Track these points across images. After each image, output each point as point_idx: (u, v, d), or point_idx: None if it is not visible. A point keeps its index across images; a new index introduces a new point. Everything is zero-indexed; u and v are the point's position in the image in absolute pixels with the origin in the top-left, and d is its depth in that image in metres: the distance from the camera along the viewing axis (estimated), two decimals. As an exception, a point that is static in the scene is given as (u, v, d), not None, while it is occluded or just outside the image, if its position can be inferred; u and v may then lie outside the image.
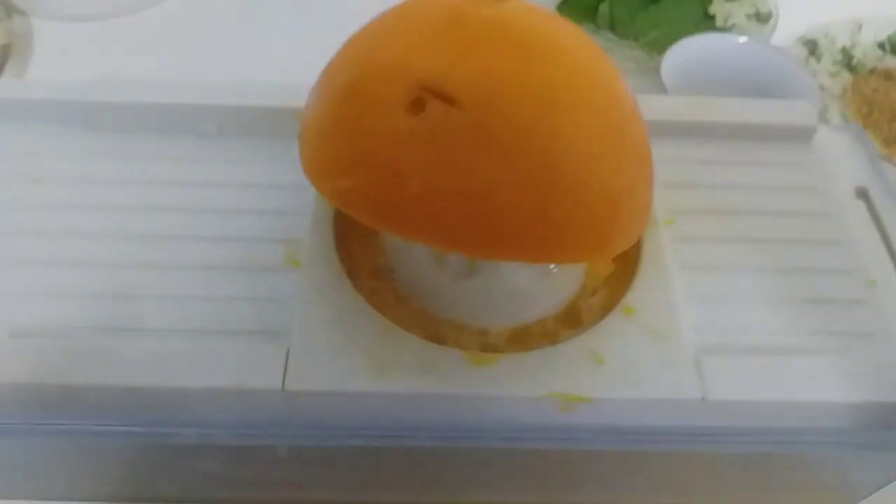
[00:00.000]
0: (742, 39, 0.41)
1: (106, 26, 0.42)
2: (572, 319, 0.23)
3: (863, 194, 0.27)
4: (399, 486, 0.26)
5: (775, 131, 0.29)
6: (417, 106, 0.18)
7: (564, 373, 0.21)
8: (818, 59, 0.43)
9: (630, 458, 0.24)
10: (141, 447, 0.23)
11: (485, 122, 0.18)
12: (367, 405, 0.21)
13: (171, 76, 0.28)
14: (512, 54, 0.19)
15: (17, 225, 0.24)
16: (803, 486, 0.27)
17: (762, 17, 0.45)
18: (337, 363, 0.21)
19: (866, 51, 0.44)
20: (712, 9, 0.45)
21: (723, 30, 0.44)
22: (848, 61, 0.44)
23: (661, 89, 0.37)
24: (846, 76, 0.43)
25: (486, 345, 0.23)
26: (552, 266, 0.22)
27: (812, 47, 0.44)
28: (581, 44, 0.20)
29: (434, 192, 0.18)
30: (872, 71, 0.43)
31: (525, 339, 0.23)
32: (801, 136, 0.29)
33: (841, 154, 0.28)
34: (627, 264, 0.24)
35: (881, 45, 0.45)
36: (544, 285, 0.23)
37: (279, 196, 0.26)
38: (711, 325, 0.23)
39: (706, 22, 0.44)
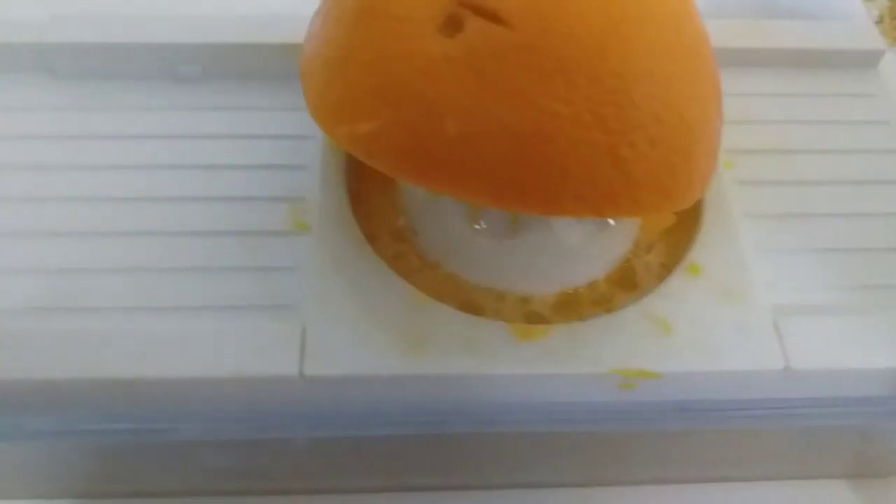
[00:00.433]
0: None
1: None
2: (627, 281, 0.20)
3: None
4: (427, 470, 0.23)
5: (836, 57, 0.25)
6: (453, 25, 0.15)
7: (626, 344, 0.18)
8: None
9: (689, 435, 0.21)
10: (131, 444, 0.20)
11: (538, 42, 0.14)
12: (400, 389, 0.18)
13: (145, 10, 0.24)
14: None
15: (-30, 191, 0.21)
16: (858, 455, 0.24)
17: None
18: (363, 342, 0.18)
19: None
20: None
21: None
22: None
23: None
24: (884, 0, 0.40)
25: (531, 314, 0.20)
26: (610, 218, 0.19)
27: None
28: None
29: (477, 132, 0.15)
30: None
31: (574, 306, 0.20)
32: (865, 61, 0.25)
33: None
34: (687, 215, 0.21)
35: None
36: (598, 242, 0.19)
37: (277, 147, 0.22)
38: (786, 283, 0.20)
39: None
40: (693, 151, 0.16)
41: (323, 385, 0.18)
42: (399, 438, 0.20)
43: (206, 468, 0.22)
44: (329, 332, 0.18)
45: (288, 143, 0.22)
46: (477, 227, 0.19)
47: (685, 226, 0.21)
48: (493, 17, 0.15)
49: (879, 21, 0.40)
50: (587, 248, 0.19)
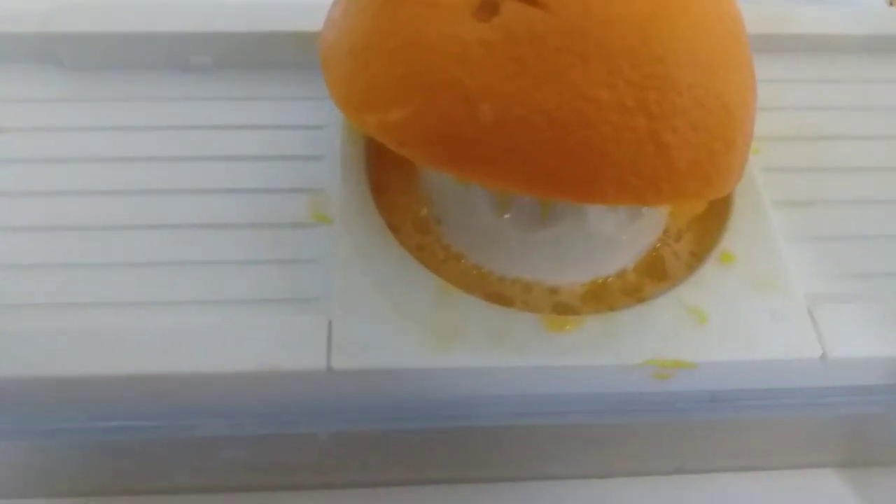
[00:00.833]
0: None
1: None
2: (657, 271, 0.20)
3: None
4: (452, 463, 0.23)
5: (859, 42, 0.25)
6: (488, 9, 0.14)
7: (661, 335, 0.18)
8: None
9: (718, 425, 0.21)
10: (154, 442, 0.20)
11: (578, 26, 0.14)
12: (431, 382, 0.17)
13: (155, -1, 0.23)
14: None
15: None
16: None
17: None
18: (391, 335, 0.17)
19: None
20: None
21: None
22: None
23: None
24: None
25: (560, 305, 0.19)
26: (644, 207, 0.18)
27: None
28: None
29: (515, 118, 0.14)
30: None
31: (604, 296, 0.19)
32: (889, 46, 0.25)
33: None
34: (716, 202, 0.20)
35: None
36: (628, 231, 0.19)
37: (293, 138, 0.22)
38: (818, 271, 0.20)
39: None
40: (734, 138, 0.15)
41: (352, 378, 0.17)
42: (427, 431, 0.19)
43: (226, 464, 0.22)
44: (356, 325, 0.17)
45: (304, 133, 0.22)
46: (505, 217, 0.19)
47: (714, 214, 0.20)
48: (530, 0, 0.14)
49: (892, 1, 0.40)
50: (617, 237, 0.19)
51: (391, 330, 0.17)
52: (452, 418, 0.18)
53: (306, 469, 0.23)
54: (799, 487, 0.23)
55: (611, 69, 0.14)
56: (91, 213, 0.20)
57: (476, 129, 0.14)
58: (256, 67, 0.23)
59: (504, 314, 0.18)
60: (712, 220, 0.20)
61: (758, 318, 0.18)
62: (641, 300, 0.19)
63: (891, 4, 0.38)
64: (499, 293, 0.19)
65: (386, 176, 0.21)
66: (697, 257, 0.20)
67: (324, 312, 0.18)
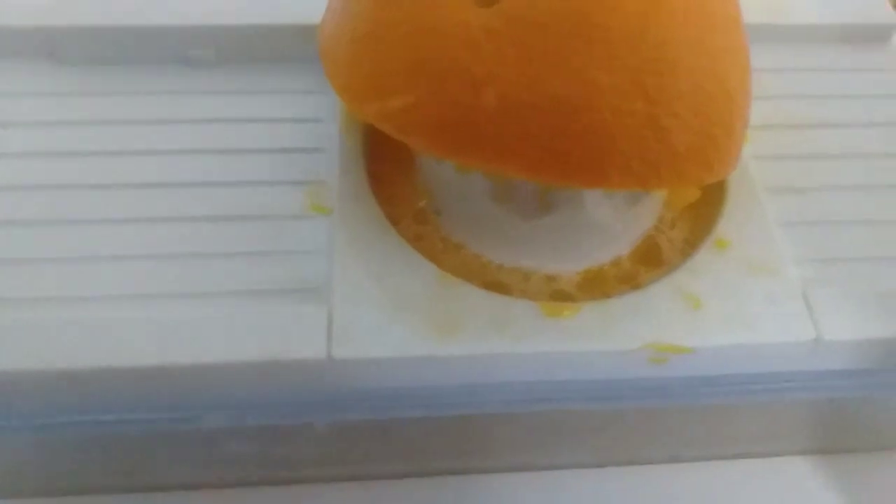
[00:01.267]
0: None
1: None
2: (651, 258, 0.20)
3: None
4: (453, 453, 0.23)
5: (849, 31, 0.25)
6: (489, -6, 0.15)
7: (657, 320, 0.18)
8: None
9: (715, 410, 0.21)
10: (154, 434, 0.20)
11: (580, 9, 0.14)
12: (431, 370, 0.17)
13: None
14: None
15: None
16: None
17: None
18: (391, 324, 0.17)
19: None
20: None
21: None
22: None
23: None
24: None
25: (557, 293, 0.19)
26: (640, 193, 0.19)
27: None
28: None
29: (519, 103, 0.14)
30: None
31: (600, 283, 0.20)
32: (876, 36, 0.25)
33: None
34: (710, 190, 0.20)
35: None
36: (625, 218, 0.19)
37: (293, 131, 0.22)
38: (811, 255, 0.20)
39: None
40: (734, 123, 0.16)
41: (352, 367, 0.17)
42: (427, 420, 0.19)
43: (227, 458, 0.22)
44: (356, 315, 0.18)
45: (303, 125, 0.22)
46: (504, 206, 0.19)
47: (707, 202, 0.21)
48: (530, -14, 0.14)
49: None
50: (613, 224, 0.19)
51: (391, 319, 0.18)
52: (453, 406, 0.18)
53: (306, 462, 0.23)
54: (792, 474, 0.24)
55: (612, 54, 0.14)
56: (90, 207, 0.20)
57: (480, 115, 0.14)
58: (255, 61, 0.23)
59: (503, 302, 0.18)
60: (705, 208, 0.20)
61: (753, 302, 0.18)
62: (637, 287, 0.19)
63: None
64: (497, 282, 0.19)
65: (385, 168, 0.21)
66: (691, 244, 0.20)
67: (324, 303, 0.18)
